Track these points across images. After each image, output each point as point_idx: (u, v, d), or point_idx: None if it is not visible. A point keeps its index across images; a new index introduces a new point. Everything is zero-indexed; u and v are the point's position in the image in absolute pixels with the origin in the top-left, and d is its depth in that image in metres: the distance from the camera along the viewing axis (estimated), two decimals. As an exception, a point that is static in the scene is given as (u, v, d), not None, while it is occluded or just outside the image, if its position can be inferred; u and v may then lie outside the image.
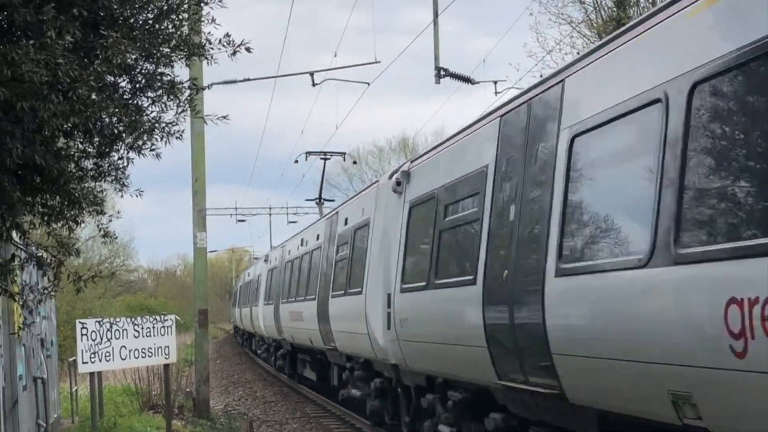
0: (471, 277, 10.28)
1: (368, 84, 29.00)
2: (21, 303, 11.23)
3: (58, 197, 9.31)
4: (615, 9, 38.36)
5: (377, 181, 16.71)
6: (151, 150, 9.70)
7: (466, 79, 23.89)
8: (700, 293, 6.15)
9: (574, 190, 8.16)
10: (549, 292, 8.23)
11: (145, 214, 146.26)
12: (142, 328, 15.18)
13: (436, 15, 21.68)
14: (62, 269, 9.93)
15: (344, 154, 39.55)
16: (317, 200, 40.17)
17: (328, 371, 21.91)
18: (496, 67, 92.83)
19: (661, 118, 6.76)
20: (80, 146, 9.60)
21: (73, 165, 9.39)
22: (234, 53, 9.39)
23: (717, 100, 6.30)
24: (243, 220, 71.09)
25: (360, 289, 16.06)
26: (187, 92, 9.84)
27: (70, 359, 20.71)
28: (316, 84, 25.68)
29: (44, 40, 7.49)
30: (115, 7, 8.76)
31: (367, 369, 16.63)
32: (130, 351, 14.96)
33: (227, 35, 9.37)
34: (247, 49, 9.38)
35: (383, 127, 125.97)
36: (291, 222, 64.76)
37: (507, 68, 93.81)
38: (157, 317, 15.54)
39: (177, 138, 9.80)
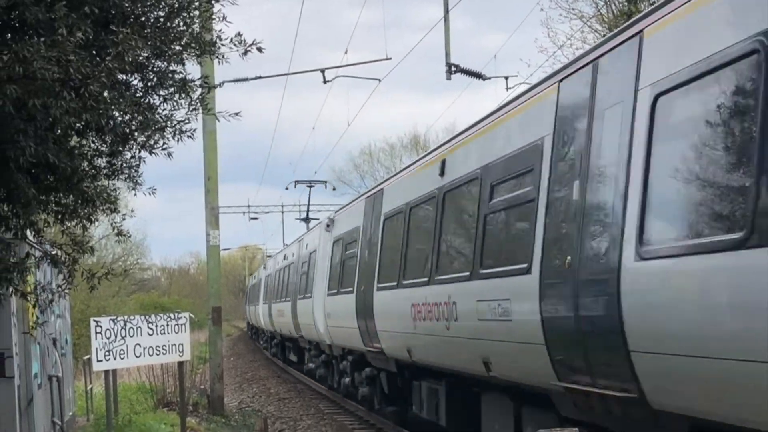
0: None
1: (379, 81, 28.87)
2: (33, 302, 11.25)
3: (71, 195, 9.32)
4: (626, 3, 38.24)
5: (322, 221, 23.38)
6: (163, 149, 9.71)
7: (478, 75, 23.84)
8: None
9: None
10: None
11: (158, 213, 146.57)
12: (156, 326, 15.18)
13: (446, 11, 21.65)
14: (76, 267, 9.95)
15: (326, 182, 46.73)
16: (305, 219, 46.77)
17: (303, 354, 28.82)
18: (508, 63, 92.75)
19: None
20: (93, 145, 9.62)
21: (86, 163, 9.41)
22: (245, 53, 9.39)
23: None
24: (255, 218, 71.17)
25: (310, 294, 22.95)
26: (199, 90, 9.84)
27: (85, 357, 20.76)
28: (327, 81, 25.65)
29: (55, 38, 7.49)
30: (126, 4, 8.77)
31: (317, 349, 24.35)
32: (144, 349, 14.96)
33: (239, 35, 9.37)
34: (259, 49, 9.36)
35: (395, 123, 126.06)
36: (303, 219, 64.81)
37: (518, 64, 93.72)
38: (171, 315, 15.53)
39: (189, 137, 9.81)
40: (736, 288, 5.85)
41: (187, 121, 9.70)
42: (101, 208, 9.63)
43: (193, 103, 9.71)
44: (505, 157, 9.98)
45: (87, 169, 9.44)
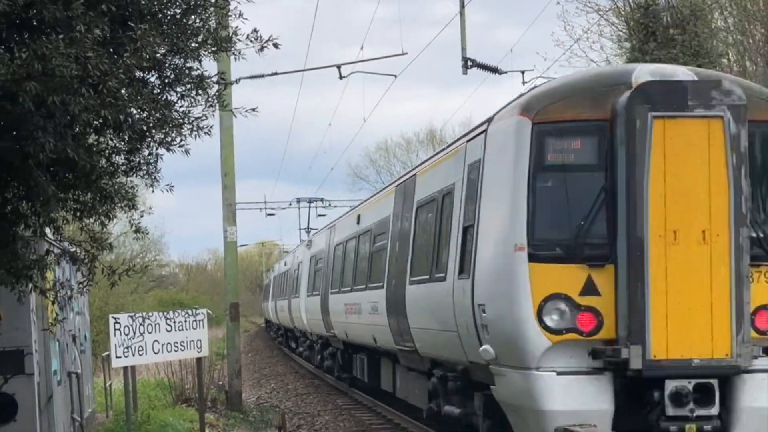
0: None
1: (395, 76, 28.81)
2: (52, 299, 11.30)
3: (90, 193, 9.36)
4: (642, -4, 38.01)
5: (304, 241, 33.93)
6: (180, 146, 9.74)
7: (494, 70, 23.79)
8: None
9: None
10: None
11: (175, 210, 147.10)
12: (175, 323, 15.22)
13: (462, 5, 21.61)
14: (96, 264, 9.99)
15: (322, 199, 56.15)
16: (306, 229, 53.88)
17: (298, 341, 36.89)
18: (524, 57, 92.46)
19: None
20: (111, 142, 9.67)
21: (104, 160, 9.45)
22: (261, 49, 9.42)
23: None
24: (272, 214, 71.30)
25: (298, 295, 30.74)
26: (216, 87, 9.88)
27: (104, 354, 20.84)
28: (343, 77, 25.62)
29: (74, 35, 7.53)
30: (143, 2, 8.81)
31: (305, 336, 32.87)
32: (162, 345, 15.00)
33: (255, 31, 9.41)
34: (275, 45, 9.39)
35: (411, 118, 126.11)
36: (320, 215, 64.93)
37: (534, 58, 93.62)
38: (189, 311, 15.58)
39: (206, 133, 9.85)
40: (438, 297, 12.39)
41: (204, 117, 9.73)
42: (120, 205, 9.68)
43: (209, 99, 9.75)
44: (365, 230, 18.90)
45: (105, 166, 9.49)
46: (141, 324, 14.62)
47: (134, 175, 9.96)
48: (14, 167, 8.46)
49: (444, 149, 13.63)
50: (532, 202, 9.92)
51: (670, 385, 9.53)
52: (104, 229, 10.11)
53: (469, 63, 23.02)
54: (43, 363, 12.46)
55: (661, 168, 9.58)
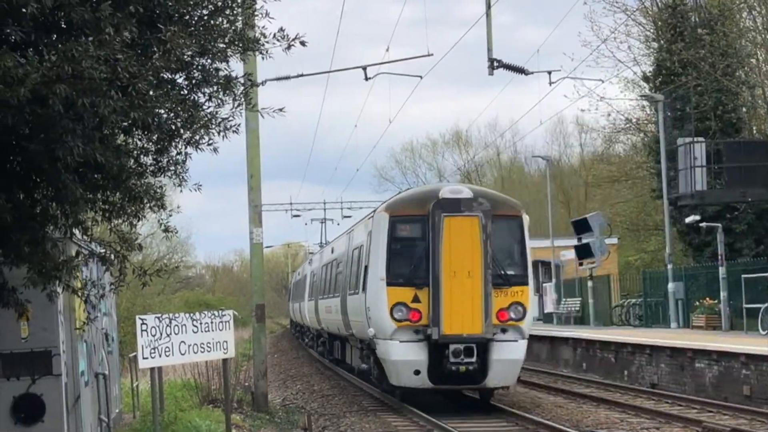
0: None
1: (421, 77, 28.83)
2: (84, 298, 11.36)
3: (118, 193, 9.40)
4: (670, -5, 37.60)
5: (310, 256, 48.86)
6: (209, 144, 9.78)
7: (520, 70, 23.75)
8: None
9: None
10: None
11: (202, 210, 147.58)
12: (201, 324, 15.24)
13: (488, 6, 21.58)
14: (126, 264, 10.03)
15: (332, 220, 66.84)
16: (321, 245, 60.36)
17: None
18: (551, 57, 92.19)
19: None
20: (139, 143, 9.71)
21: (132, 161, 9.49)
22: (288, 47, 9.44)
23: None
24: (298, 215, 71.51)
25: (305, 299, 41.21)
26: (242, 87, 9.90)
27: (131, 355, 20.91)
28: (369, 78, 25.69)
29: (102, 37, 7.56)
30: (170, 3, 8.84)
31: (309, 331, 43.64)
32: (189, 346, 15.02)
33: (281, 30, 9.42)
34: (302, 43, 9.41)
35: (437, 119, 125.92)
36: (346, 216, 64.98)
37: (561, 58, 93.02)
38: (215, 312, 15.60)
39: (234, 132, 9.87)
40: (356, 303, 21.58)
41: (231, 117, 9.77)
42: (148, 205, 9.72)
43: (237, 98, 9.78)
44: (333, 259, 29.12)
45: (134, 166, 9.52)
46: (168, 325, 14.65)
47: (162, 175, 10.00)
48: (43, 169, 8.51)
49: (364, 218, 23.93)
50: (389, 256, 19.61)
51: (452, 347, 19.03)
52: (133, 230, 10.15)
53: (496, 63, 22.99)
54: (71, 364, 12.54)
55: (449, 240, 19.06)
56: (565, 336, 32.23)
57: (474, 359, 18.83)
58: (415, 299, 19.17)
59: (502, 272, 19.33)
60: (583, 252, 36.85)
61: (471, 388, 20.66)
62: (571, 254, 40.68)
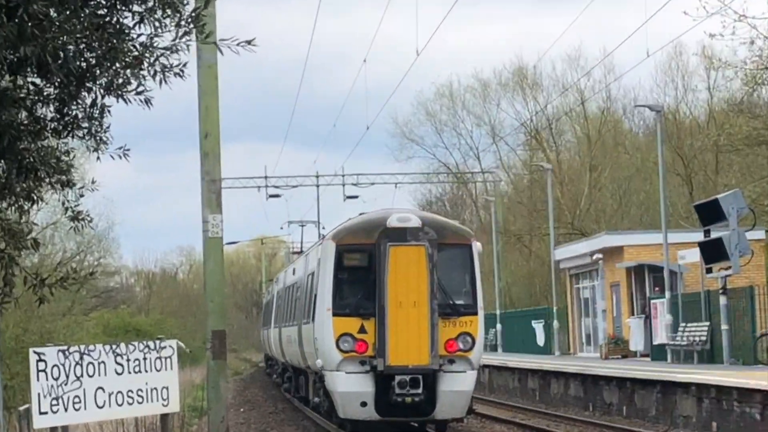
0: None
1: (463, -13, 28.99)
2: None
3: (2, 162, 9.32)
4: None
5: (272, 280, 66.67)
6: (138, 93, 9.81)
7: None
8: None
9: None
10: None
11: (131, 189, 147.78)
12: (129, 361, 15.34)
13: None
14: (14, 270, 10.00)
15: (318, 222, 72.32)
16: (298, 253, 65.04)
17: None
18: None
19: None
20: (33, 87, 9.62)
21: (24, 114, 9.39)
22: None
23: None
24: (277, 195, 71.72)
25: (269, 326, 56.19)
26: (192, 4, 9.95)
27: (22, 408, 21.06)
28: (385, -12, 25.76)
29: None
30: None
31: (275, 362, 60.37)
32: (110, 395, 15.11)
33: None
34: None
35: (488, 51, 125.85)
36: (350, 197, 64.99)
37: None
38: (151, 344, 15.72)
39: (177, 75, 9.91)
40: (307, 333, 31.91)
41: (173, 50, 9.81)
42: (48, 180, 9.69)
43: (183, 23, 9.79)
44: (292, 283, 41.65)
45: (26, 122, 9.43)
46: (78, 362, 14.73)
47: (69, 135, 9.98)
48: None
49: (317, 243, 33.56)
50: (335, 286, 27.72)
51: (398, 378, 26.58)
52: (24, 218, 10.16)
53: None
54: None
55: (395, 270, 27.02)
56: (683, 381, 32.09)
57: (420, 390, 26.66)
58: (362, 330, 27.19)
59: (451, 302, 27.63)
60: (713, 252, 36.73)
61: (419, 421, 28.83)
62: (695, 255, 40.44)
